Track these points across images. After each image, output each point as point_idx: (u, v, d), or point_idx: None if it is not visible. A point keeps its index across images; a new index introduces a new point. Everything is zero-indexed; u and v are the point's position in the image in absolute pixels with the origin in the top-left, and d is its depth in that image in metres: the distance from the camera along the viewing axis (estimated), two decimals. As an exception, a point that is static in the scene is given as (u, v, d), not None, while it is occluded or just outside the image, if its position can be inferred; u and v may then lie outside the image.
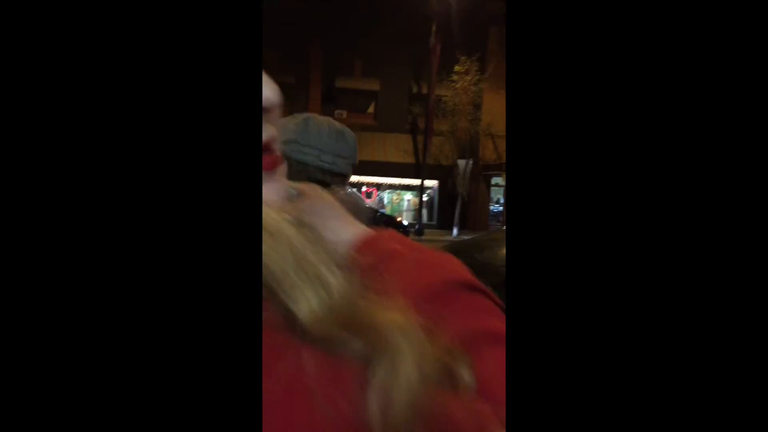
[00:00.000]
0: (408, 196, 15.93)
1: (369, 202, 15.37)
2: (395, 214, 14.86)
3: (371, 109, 15.83)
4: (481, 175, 14.87)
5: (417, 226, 13.53)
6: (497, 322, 0.45)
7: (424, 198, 15.14)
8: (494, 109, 14.19)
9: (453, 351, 0.36)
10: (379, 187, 15.75)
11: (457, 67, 13.19)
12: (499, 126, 13.67)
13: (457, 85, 13.31)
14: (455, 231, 13.42)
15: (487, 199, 15.67)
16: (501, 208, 15.89)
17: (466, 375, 0.36)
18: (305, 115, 1.07)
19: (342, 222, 0.51)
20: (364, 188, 15.52)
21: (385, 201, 15.93)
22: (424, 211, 15.17)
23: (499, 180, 15.46)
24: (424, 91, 14.31)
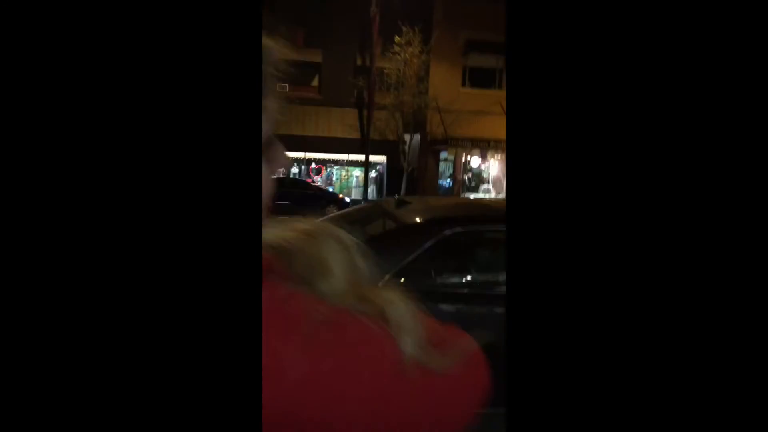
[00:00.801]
0: (356, 172, 15.67)
1: (317, 179, 15.05)
2: (344, 191, 14.63)
3: (315, 82, 15.28)
4: (429, 149, 14.73)
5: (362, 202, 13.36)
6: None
7: (373, 174, 14.96)
8: (440, 82, 13.96)
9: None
10: (326, 163, 15.39)
11: (397, 38, 12.84)
12: (445, 99, 13.42)
13: (399, 57, 13.00)
14: (401, 205, 13.24)
15: (436, 174, 15.53)
16: (451, 182, 15.81)
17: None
18: None
19: None
20: (312, 165, 15.13)
21: (334, 178, 15.62)
22: (373, 188, 15.01)
23: (446, 155, 15.40)
24: (369, 63, 13.92)
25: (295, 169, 14.99)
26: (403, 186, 13.59)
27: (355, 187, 15.52)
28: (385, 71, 13.24)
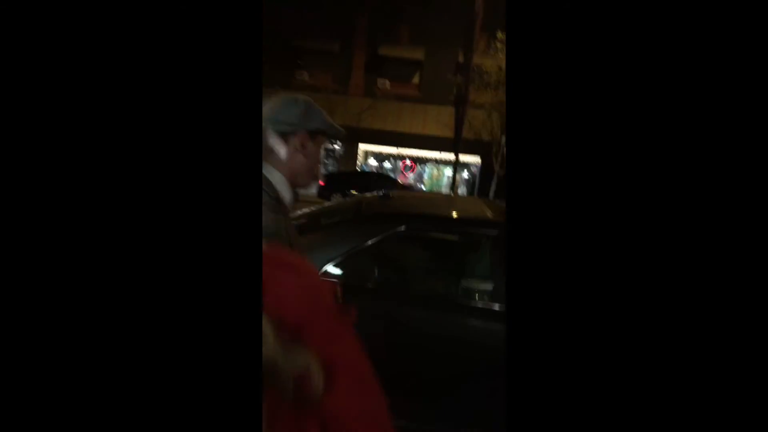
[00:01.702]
0: (449, 171, 15.48)
1: (409, 176, 15.11)
2: (434, 190, 14.52)
3: (416, 80, 15.35)
4: None
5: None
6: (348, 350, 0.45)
7: (466, 175, 14.64)
8: None
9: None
10: (419, 161, 15.39)
11: (500, 34, 12.34)
12: None
13: (501, 54, 12.47)
14: (487, 211, 12.81)
15: None
16: None
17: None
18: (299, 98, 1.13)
19: None
20: (405, 161, 15.25)
21: (425, 176, 15.58)
22: (463, 188, 14.70)
23: None
24: (468, 60, 13.64)
25: (388, 165, 15.22)
26: (492, 188, 13.12)
27: (446, 186, 15.33)
28: (485, 69, 12.87)
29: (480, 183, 14.91)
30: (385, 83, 14.81)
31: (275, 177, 1.08)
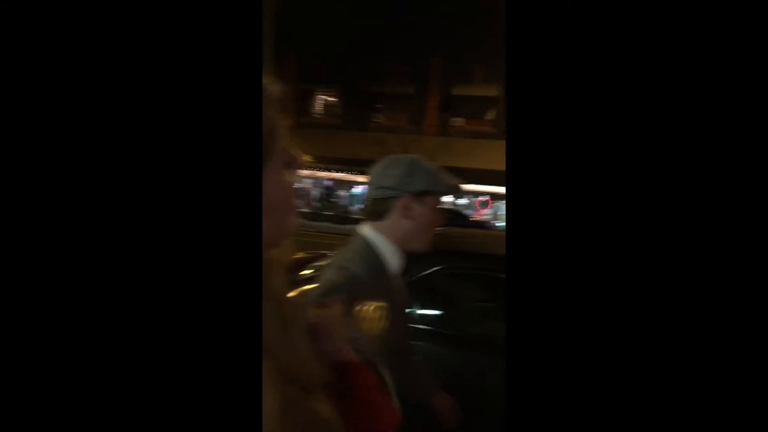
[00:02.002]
0: None
1: (484, 212, 14.97)
2: None
3: (490, 116, 15.40)
4: None
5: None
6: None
7: None
8: None
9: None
10: (495, 197, 15.22)
11: None
12: None
13: None
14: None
15: None
16: None
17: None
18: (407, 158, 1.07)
19: None
20: (479, 198, 15.16)
21: (499, 212, 15.33)
22: None
23: None
24: None
25: (463, 201, 15.21)
26: None
27: None
28: None
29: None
30: (459, 121, 15.02)
31: (380, 243, 1.04)
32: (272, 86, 0.48)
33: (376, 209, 1.05)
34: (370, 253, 1.02)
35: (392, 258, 1.04)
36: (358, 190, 15.59)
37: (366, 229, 1.06)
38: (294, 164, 0.52)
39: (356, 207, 15.42)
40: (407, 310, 1.15)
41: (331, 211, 15.08)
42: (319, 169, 15.08)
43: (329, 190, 15.77)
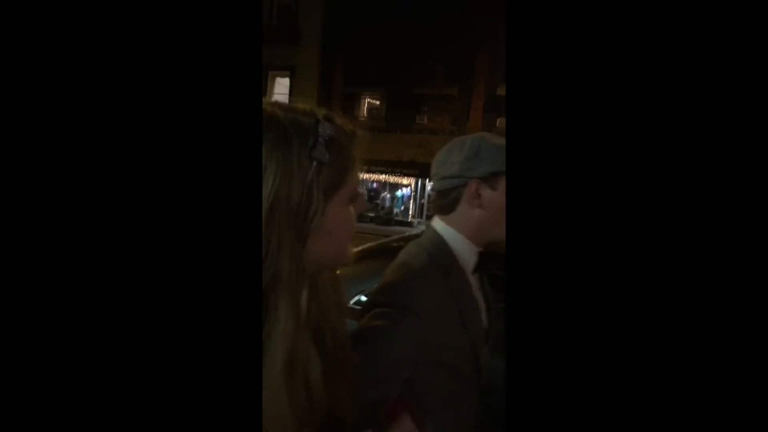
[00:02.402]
0: None
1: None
2: None
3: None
4: None
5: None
6: None
7: None
8: None
9: None
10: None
11: None
12: None
13: None
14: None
15: None
16: None
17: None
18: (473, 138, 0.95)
19: None
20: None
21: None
22: None
23: None
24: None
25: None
26: None
27: None
28: None
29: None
30: (503, 121, 14.80)
31: (451, 236, 0.92)
32: (360, 131, 0.56)
33: (443, 202, 0.93)
34: (438, 248, 0.91)
35: (465, 253, 0.92)
36: (400, 192, 15.64)
37: (437, 223, 0.95)
38: (357, 199, 0.58)
39: (399, 209, 15.47)
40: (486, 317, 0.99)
41: (374, 212, 15.24)
42: (364, 172, 15.28)
43: (373, 192, 15.94)
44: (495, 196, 0.89)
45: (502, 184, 0.90)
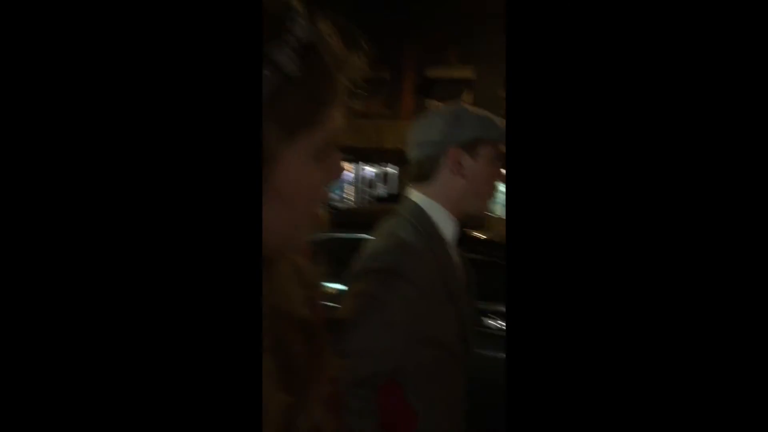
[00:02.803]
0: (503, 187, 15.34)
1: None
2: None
3: (467, 98, 15.37)
4: None
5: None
6: None
7: None
8: None
9: None
10: (474, 178, 15.29)
11: None
12: None
13: None
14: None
15: None
16: None
17: None
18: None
19: None
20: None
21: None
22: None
23: None
24: None
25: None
26: None
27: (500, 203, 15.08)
28: None
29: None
30: (435, 104, 14.96)
31: (431, 207, 0.89)
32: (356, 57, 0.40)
33: (421, 171, 0.91)
34: (419, 219, 0.88)
35: (444, 223, 0.89)
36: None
37: (414, 194, 0.92)
38: (332, 158, 0.42)
39: (337, 194, 15.25)
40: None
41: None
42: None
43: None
44: (476, 166, 0.89)
45: (482, 153, 0.90)
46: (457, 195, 0.90)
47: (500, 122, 0.91)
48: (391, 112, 15.08)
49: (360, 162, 14.58)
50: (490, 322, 2.25)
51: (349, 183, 15.07)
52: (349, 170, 14.87)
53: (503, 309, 2.05)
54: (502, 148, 0.92)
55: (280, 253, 0.44)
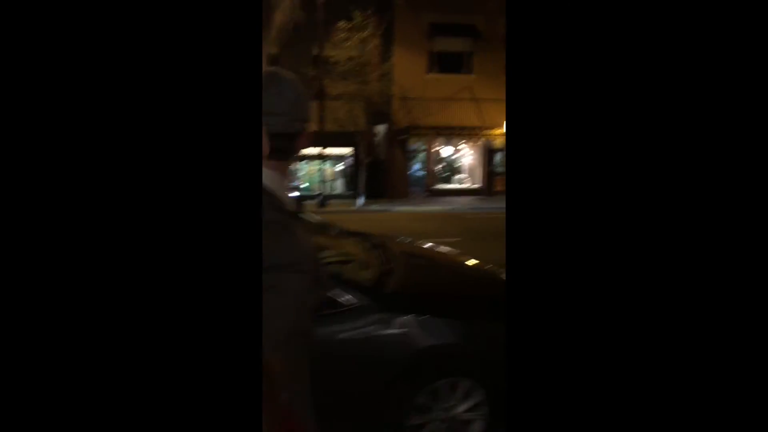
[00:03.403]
0: (326, 166, 14.15)
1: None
2: (313, 186, 13.86)
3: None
4: (396, 140, 13.48)
5: (319, 198, 12.50)
6: None
7: (341, 167, 14.46)
8: (404, 69, 13.02)
9: None
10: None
11: (342, 24, 11.82)
12: (410, 86, 12.94)
13: (349, 43, 11.97)
14: (360, 201, 12.61)
15: (404, 166, 13.88)
16: (423, 173, 14.19)
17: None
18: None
19: None
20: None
21: (301, 173, 13.96)
22: (340, 181, 14.53)
23: (419, 144, 14.05)
24: (324, 53, 12.22)
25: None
26: (361, 180, 12.72)
27: (320, 181, 14.34)
28: (332, 59, 12.04)
29: (355, 174, 13.91)
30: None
31: (270, 180, 0.75)
32: None
33: (281, 145, 0.76)
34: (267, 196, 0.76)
35: (287, 197, 0.81)
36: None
37: (264, 172, 0.73)
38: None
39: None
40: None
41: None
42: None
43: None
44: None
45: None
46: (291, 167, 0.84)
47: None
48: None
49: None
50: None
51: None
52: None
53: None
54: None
55: None
